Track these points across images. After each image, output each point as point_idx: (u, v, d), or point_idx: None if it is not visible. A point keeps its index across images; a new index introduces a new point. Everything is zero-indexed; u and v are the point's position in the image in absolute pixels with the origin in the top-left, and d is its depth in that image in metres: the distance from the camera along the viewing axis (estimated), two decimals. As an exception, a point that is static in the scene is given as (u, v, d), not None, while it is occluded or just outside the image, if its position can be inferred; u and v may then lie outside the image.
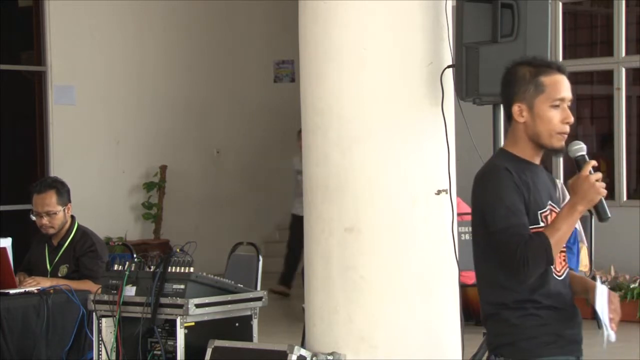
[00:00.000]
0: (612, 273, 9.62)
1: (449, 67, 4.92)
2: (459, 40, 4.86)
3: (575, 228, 8.31)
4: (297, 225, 10.63)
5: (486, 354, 4.61)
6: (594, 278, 8.86)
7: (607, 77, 10.70)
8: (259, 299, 5.21)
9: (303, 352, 4.80)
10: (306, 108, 5.12)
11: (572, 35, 11.20)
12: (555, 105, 3.28)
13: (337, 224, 4.92)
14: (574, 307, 3.37)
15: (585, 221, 8.69)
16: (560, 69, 3.34)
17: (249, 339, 5.11)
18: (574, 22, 11.31)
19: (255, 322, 5.16)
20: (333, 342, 4.89)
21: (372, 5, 4.89)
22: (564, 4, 10.86)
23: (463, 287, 5.26)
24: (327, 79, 4.97)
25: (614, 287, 9.37)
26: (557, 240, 3.17)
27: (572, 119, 3.30)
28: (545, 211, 3.29)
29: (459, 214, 5.30)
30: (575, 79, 11.90)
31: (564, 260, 3.34)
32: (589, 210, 3.27)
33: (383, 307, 4.87)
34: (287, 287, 10.59)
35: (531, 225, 3.24)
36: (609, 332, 3.27)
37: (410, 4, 4.91)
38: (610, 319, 3.28)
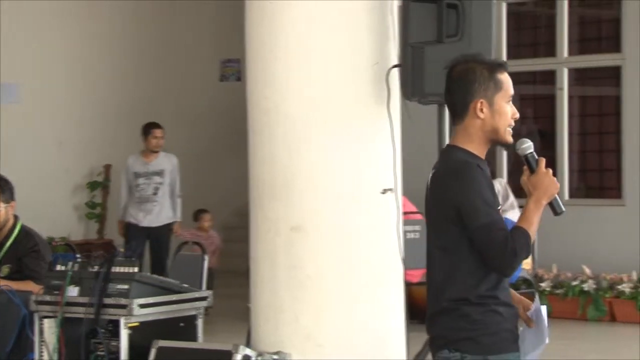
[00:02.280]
0: (554, 271, 9.74)
1: (394, 66, 4.94)
2: (404, 40, 4.88)
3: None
4: (134, 234, 9.44)
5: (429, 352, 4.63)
6: (529, 284, 8.96)
7: (549, 77, 10.83)
8: (204, 298, 5.19)
9: (248, 351, 4.78)
10: (252, 107, 5.10)
11: (515, 35, 11.31)
12: (508, 101, 3.39)
13: (283, 223, 4.91)
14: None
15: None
16: (506, 67, 3.44)
17: (194, 339, 5.09)
18: (517, 22, 11.42)
19: (200, 322, 5.14)
20: (279, 341, 4.89)
21: (318, 5, 4.89)
22: (508, 5, 10.97)
23: (408, 285, 5.29)
24: (274, 78, 4.96)
25: (555, 284, 9.50)
26: (533, 233, 3.30)
27: (518, 114, 3.42)
28: (499, 208, 3.38)
29: (404, 213, 5.33)
30: (518, 79, 12.00)
31: None
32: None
33: (329, 306, 4.88)
34: None
35: None
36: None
37: (356, 3, 4.92)
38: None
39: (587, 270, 9.58)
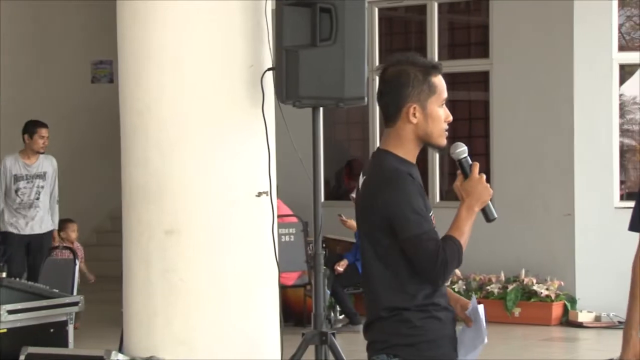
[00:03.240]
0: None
1: (269, 69, 4.96)
2: (279, 43, 4.90)
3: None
4: (12, 243, 8.83)
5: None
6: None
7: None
8: (75, 304, 5.10)
9: (120, 357, 4.72)
10: (125, 109, 5.04)
11: (387, 40, 11.48)
12: (441, 105, 3.35)
13: (156, 227, 4.87)
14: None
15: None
16: (440, 69, 3.40)
17: (65, 344, 5.00)
18: (389, 27, 11.60)
19: (71, 328, 5.05)
20: (152, 346, 4.84)
21: (192, 5, 4.86)
22: (380, 10, 11.14)
23: (283, 288, 5.31)
24: (147, 80, 4.91)
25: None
26: (464, 242, 3.26)
27: (451, 118, 3.38)
28: (432, 214, 3.33)
29: (279, 216, 5.35)
30: (391, 83, 12.22)
31: None
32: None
33: (202, 310, 4.86)
34: None
35: None
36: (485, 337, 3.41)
37: (230, 4, 4.91)
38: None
39: (457, 271, 9.82)
